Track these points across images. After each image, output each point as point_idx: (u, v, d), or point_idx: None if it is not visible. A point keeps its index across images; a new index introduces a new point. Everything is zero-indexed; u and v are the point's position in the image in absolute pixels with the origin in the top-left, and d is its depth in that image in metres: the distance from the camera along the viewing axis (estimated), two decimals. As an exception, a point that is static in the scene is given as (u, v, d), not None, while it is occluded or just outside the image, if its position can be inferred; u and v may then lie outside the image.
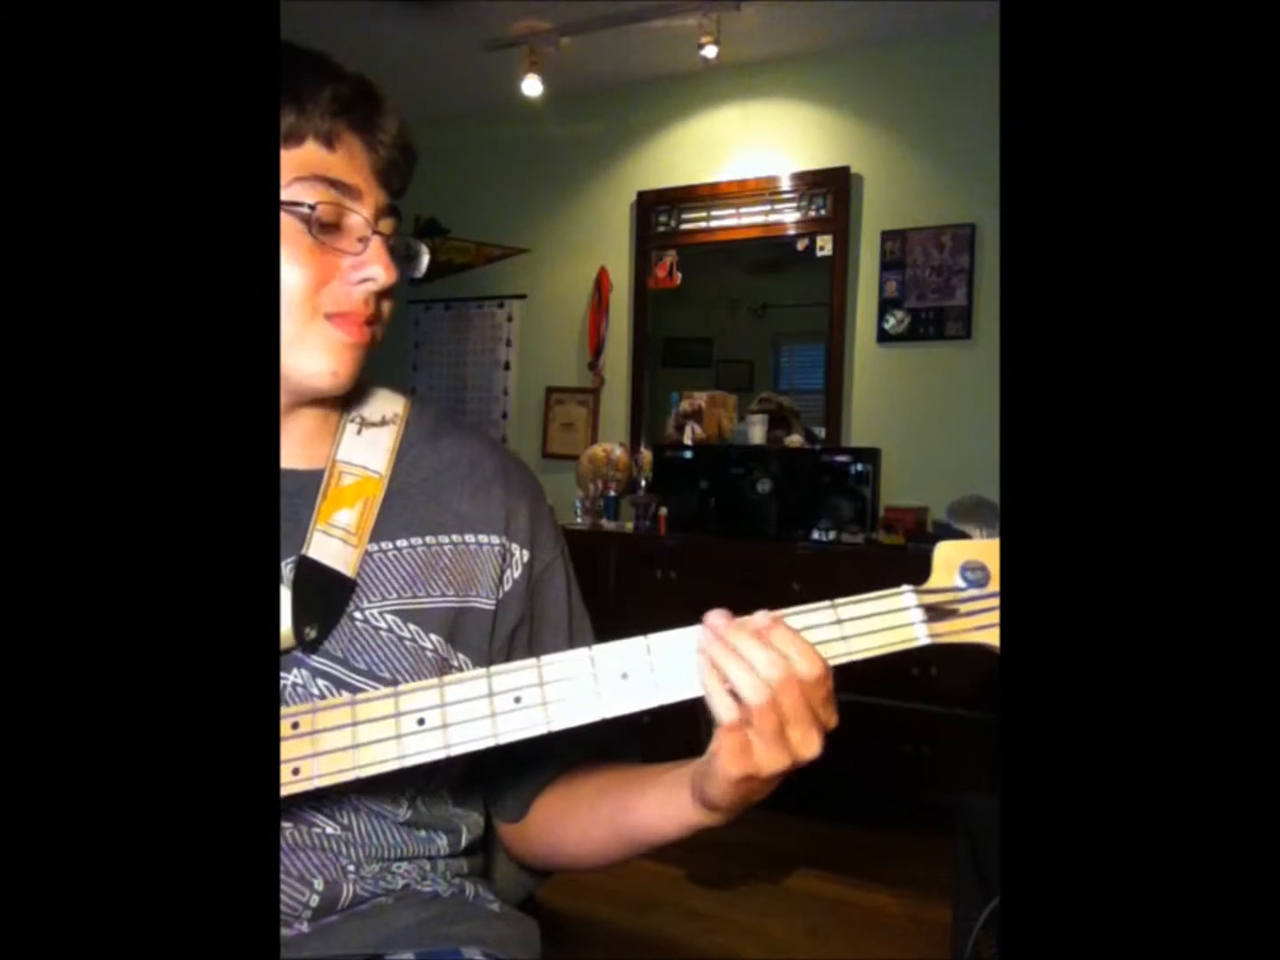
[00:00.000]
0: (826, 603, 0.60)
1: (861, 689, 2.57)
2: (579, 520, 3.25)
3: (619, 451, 3.38)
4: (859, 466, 2.90)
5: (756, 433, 3.10)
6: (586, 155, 3.66)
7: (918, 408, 3.11)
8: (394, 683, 0.66)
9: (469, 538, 0.73)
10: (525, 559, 0.75)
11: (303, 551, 0.66)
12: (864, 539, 2.81)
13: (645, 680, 0.58)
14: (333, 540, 0.67)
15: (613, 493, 3.30)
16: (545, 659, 0.59)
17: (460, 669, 0.71)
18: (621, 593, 2.91)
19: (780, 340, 3.63)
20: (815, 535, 2.85)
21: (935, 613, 0.60)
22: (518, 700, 0.58)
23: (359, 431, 0.73)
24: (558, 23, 3.10)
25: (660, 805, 0.66)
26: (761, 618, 0.58)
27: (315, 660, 0.65)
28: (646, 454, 3.33)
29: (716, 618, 0.59)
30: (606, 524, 3.23)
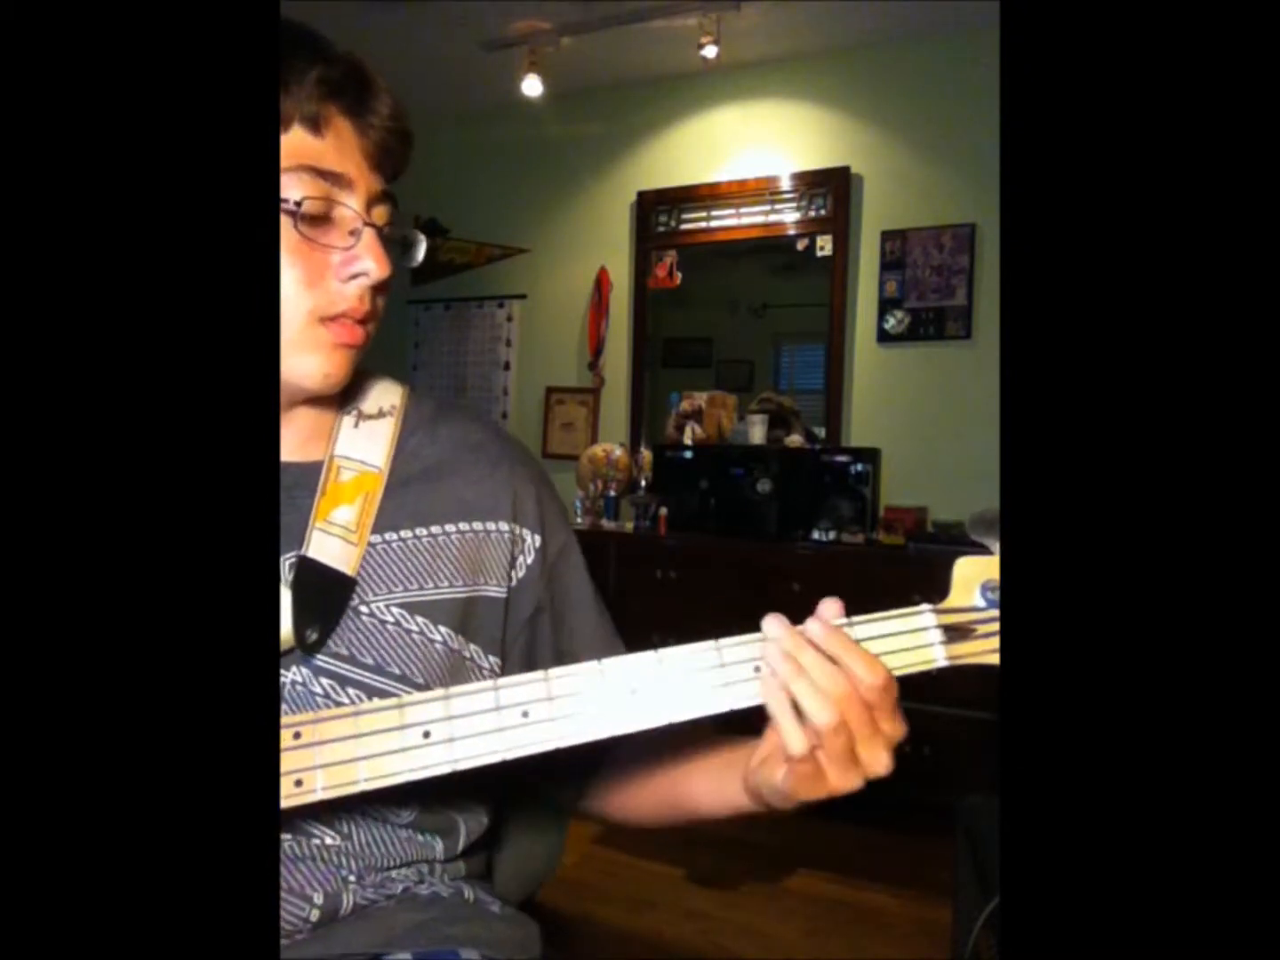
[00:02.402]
0: (844, 620, 0.58)
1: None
2: (579, 520, 3.25)
3: (619, 451, 3.38)
4: (859, 466, 2.89)
5: (756, 433, 3.10)
6: (586, 155, 3.66)
7: (918, 408, 3.11)
8: (403, 677, 0.66)
9: (476, 525, 0.72)
10: (538, 544, 0.74)
11: (302, 551, 0.65)
12: (864, 539, 2.81)
13: (656, 696, 0.57)
14: (332, 538, 0.66)
15: (613, 493, 3.29)
16: (554, 671, 0.57)
17: (473, 660, 0.70)
18: (621, 593, 2.91)
19: (780, 340, 3.63)
20: (815, 535, 2.84)
21: (954, 633, 0.58)
22: (525, 715, 0.56)
23: (356, 425, 0.72)
24: (558, 23, 3.10)
25: (711, 789, 0.66)
26: (816, 627, 0.55)
27: (318, 659, 0.64)
28: (646, 454, 3.33)
29: (777, 628, 0.55)
30: (606, 524, 3.23)
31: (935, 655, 0.58)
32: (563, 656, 0.74)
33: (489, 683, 0.57)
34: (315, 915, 0.64)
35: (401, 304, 4.02)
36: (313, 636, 0.64)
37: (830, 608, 0.58)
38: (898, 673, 0.57)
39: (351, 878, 0.66)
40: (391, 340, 4.01)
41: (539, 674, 0.57)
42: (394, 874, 0.68)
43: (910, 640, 0.58)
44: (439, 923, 0.68)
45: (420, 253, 0.72)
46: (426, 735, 0.56)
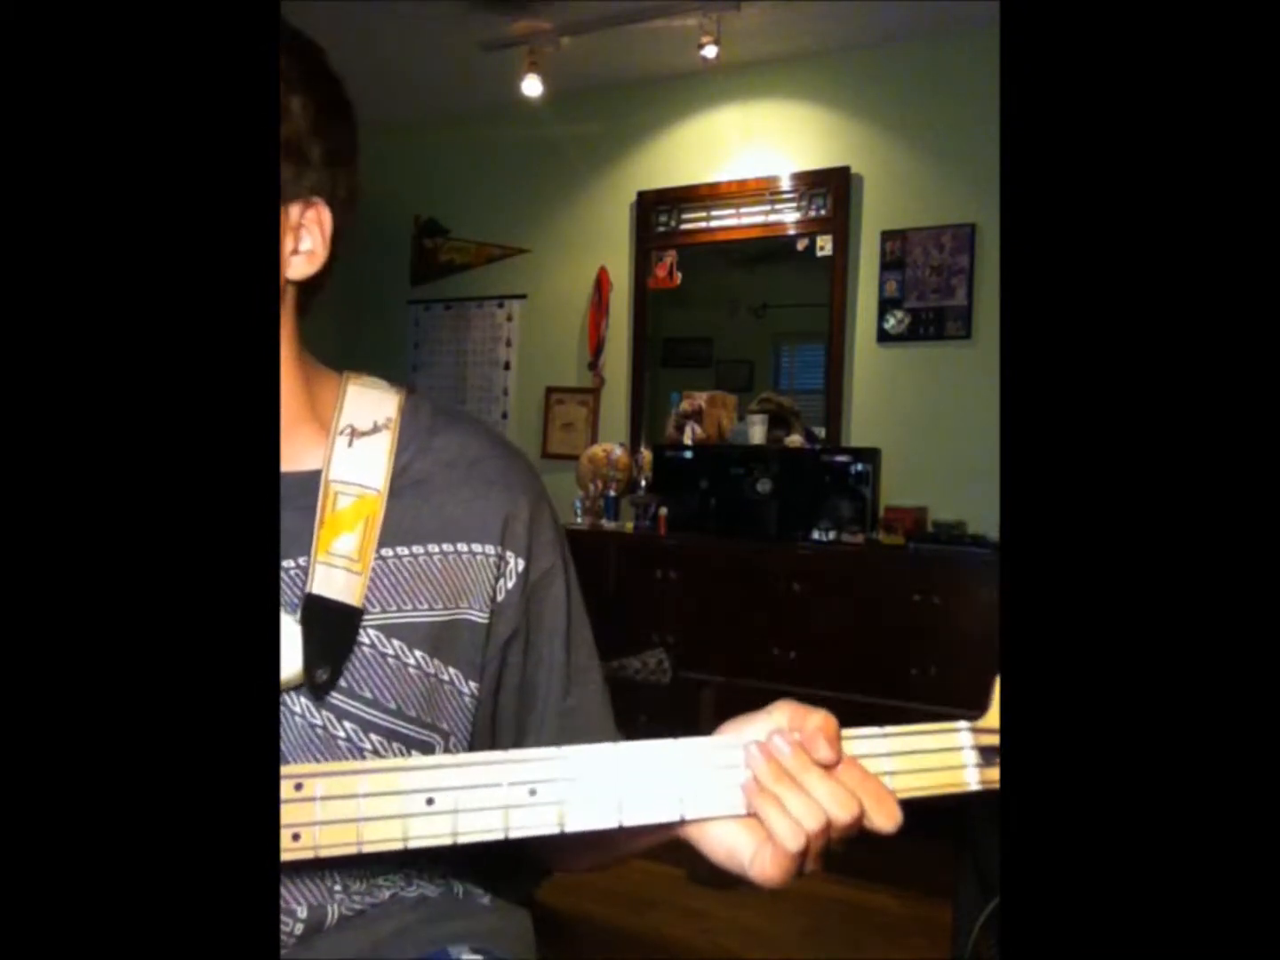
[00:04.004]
0: (879, 730, 0.56)
1: (861, 689, 2.57)
2: (579, 520, 3.25)
3: (619, 451, 3.38)
4: (859, 466, 2.90)
5: (756, 433, 3.10)
6: (586, 155, 3.66)
7: (918, 408, 3.11)
8: (376, 702, 0.64)
9: (461, 546, 0.68)
10: (520, 568, 0.71)
11: (308, 589, 0.63)
12: (864, 539, 2.81)
13: (671, 788, 0.55)
14: (336, 571, 0.63)
15: (613, 493, 3.30)
16: (568, 751, 0.55)
17: (452, 684, 0.68)
18: (621, 593, 2.91)
19: (780, 340, 3.63)
20: (815, 535, 2.85)
21: (990, 754, 0.56)
22: (533, 793, 0.54)
23: (350, 444, 0.68)
24: (558, 23, 3.10)
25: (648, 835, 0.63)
26: (828, 753, 0.54)
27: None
28: (646, 454, 3.33)
29: (782, 744, 0.55)
30: (606, 524, 3.23)
31: (968, 779, 0.56)
32: (525, 684, 0.72)
33: (500, 754, 0.55)
34: (300, 929, 0.63)
35: (401, 304, 4.02)
36: (324, 677, 0.62)
37: (780, 738, 0.56)
38: (926, 793, 0.56)
39: (338, 889, 0.64)
40: (391, 340, 4.02)
41: (551, 751, 0.55)
42: (380, 880, 0.67)
43: (944, 759, 0.56)
44: (428, 923, 0.67)
45: None
46: (430, 802, 0.54)
